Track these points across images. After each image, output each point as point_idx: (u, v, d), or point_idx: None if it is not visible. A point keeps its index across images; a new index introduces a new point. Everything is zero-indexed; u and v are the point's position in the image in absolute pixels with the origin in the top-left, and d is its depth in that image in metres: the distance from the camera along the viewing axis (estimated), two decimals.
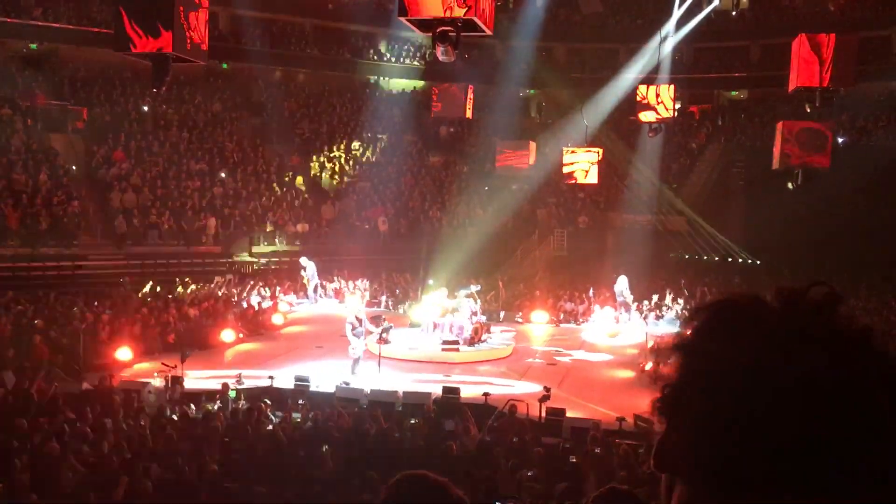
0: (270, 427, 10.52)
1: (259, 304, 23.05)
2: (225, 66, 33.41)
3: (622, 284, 23.13)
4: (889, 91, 34.06)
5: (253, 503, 7.85)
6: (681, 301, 23.74)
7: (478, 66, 32.77)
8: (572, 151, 26.12)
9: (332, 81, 37.95)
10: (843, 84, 17.92)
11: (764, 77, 36.46)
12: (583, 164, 25.74)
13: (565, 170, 26.20)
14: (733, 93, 39.87)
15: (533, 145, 27.73)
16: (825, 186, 21.78)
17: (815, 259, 26.66)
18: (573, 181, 26.20)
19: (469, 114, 24.58)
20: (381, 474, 8.39)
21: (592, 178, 25.88)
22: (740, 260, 29.88)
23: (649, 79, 24.86)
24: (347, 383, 15.02)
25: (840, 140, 28.04)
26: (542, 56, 38.59)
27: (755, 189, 29.95)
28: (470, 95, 24.55)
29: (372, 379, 15.58)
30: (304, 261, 24.82)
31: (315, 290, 25.10)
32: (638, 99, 25.04)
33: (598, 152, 25.88)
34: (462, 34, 10.73)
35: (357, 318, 16.51)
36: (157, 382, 14.19)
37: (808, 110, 18.90)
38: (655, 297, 24.53)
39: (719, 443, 0.93)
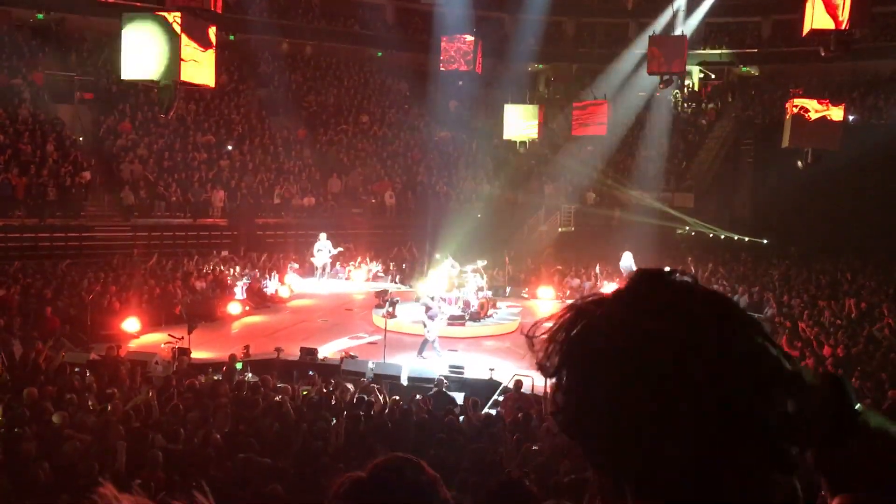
0: (277, 398, 10.55)
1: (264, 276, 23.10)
2: (232, 37, 33.14)
3: (628, 260, 23.07)
4: None
5: (259, 475, 7.88)
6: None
7: (486, 40, 32.39)
8: (582, 103, 26.41)
9: (340, 54, 37.66)
10: (859, 25, 17.23)
11: (775, 53, 36.10)
12: (594, 125, 26.02)
13: (576, 123, 26.34)
14: (744, 69, 39.47)
15: (541, 111, 27.62)
16: (834, 165, 21.61)
17: (823, 237, 26.59)
18: (582, 132, 26.55)
19: (478, 67, 24.31)
20: (387, 447, 8.42)
21: (601, 130, 26.30)
22: (747, 238, 29.75)
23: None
24: (354, 356, 15.06)
25: (851, 118, 27.73)
26: (550, 30, 38.18)
27: (764, 166, 29.77)
28: (479, 50, 24.31)
29: (443, 361, 15.26)
30: (322, 237, 24.71)
31: (323, 268, 25.06)
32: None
33: (607, 103, 26.17)
34: None
35: (432, 298, 16.40)
36: (164, 354, 14.25)
37: (823, 54, 18.36)
38: None
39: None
